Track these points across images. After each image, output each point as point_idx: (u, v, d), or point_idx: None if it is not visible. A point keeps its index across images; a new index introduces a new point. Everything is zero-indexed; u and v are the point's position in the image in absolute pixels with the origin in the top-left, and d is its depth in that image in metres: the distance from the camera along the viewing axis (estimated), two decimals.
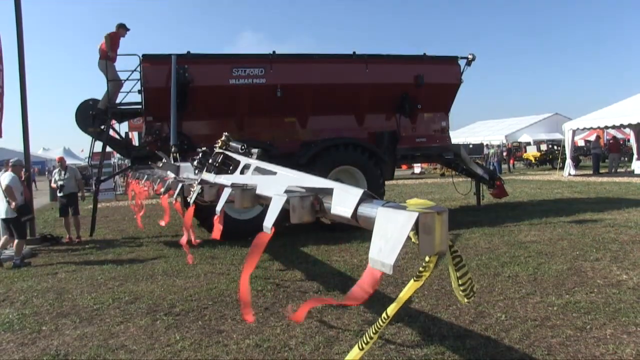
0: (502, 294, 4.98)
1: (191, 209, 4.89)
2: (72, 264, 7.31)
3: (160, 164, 6.99)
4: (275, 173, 3.69)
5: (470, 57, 10.45)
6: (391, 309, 2.00)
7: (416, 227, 1.77)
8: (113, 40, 9.70)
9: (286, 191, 3.00)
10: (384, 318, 2.03)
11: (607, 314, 4.28)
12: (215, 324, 4.49)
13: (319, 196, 2.71)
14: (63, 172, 9.69)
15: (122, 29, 9.89)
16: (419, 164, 26.15)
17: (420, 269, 1.96)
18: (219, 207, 4.13)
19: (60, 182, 9.58)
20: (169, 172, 6.67)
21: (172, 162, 7.19)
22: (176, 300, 5.23)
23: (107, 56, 9.59)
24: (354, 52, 9.88)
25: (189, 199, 4.99)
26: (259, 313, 4.72)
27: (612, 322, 4.11)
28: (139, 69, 9.21)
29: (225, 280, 5.95)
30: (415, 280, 1.96)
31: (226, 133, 5.19)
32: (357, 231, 8.04)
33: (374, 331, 2.08)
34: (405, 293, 1.97)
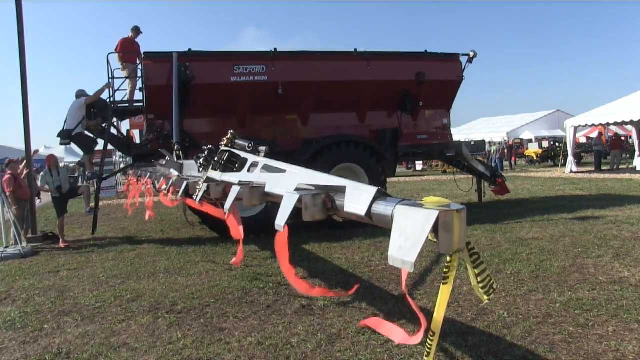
0: (504, 291, 4.97)
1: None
2: (74, 262, 7.32)
3: (164, 162, 6.99)
4: (284, 171, 3.68)
5: (471, 54, 10.42)
6: (436, 321, 2.00)
7: (436, 226, 1.78)
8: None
9: (297, 189, 3.00)
10: (431, 334, 2.02)
11: (610, 311, 4.27)
12: (217, 322, 4.49)
13: (330, 194, 2.71)
14: (57, 173, 9.28)
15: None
16: (420, 161, 26.14)
17: (445, 270, 1.95)
18: (227, 206, 4.12)
19: (57, 184, 9.18)
20: (172, 170, 6.67)
21: (175, 159, 7.20)
22: (178, 298, 5.23)
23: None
24: (356, 50, 9.86)
25: (195, 197, 4.99)
26: (260, 311, 4.73)
27: (615, 319, 4.10)
28: (140, 66, 9.24)
29: (227, 278, 5.95)
30: (444, 284, 1.96)
31: (232, 131, 5.19)
32: (359, 228, 8.05)
33: (430, 338, 2.04)
34: (441, 300, 1.97)
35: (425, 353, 2.04)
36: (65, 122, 9.37)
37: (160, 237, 9.37)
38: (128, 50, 10.62)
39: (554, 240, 7.21)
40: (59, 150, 30.15)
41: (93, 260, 7.43)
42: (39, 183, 9.67)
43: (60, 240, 9.02)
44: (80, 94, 9.66)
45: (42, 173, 9.46)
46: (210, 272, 6.35)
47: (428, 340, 2.02)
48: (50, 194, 9.40)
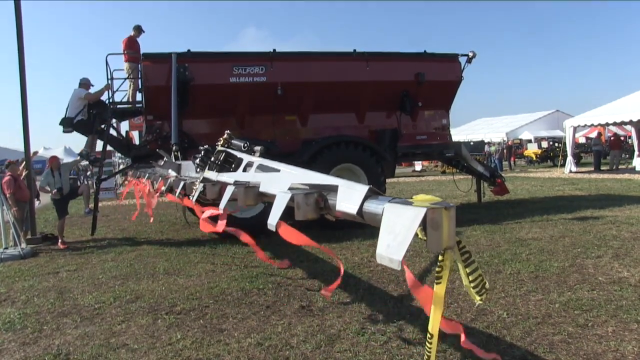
0: (504, 291, 4.97)
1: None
2: (73, 263, 7.31)
3: (162, 163, 6.99)
4: (278, 170, 3.69)
5: (470, 54, 10.43)
6: (432, 326, 1.93)
7: (424, 223, 1.76)
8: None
9: (290, 188, 3.00)
10: (429, 337, 1.96)
11: (609, 311, 4.27)
12: (217, 323, 4.49)
13: (323, 193, 2.70)
14: (58, 174, 9.17)
15: (136, 30, 10.77)
16: (420, 162, 26.15)
17: (437, 269, 1.93)
18: (222, 205, 4.13)
19: (58, 185, 9.05)
20: (170, 171, 6.68)
21: (174, 160, 7.20)
22: (177, 299, 5.23)
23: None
24: (355, 50, 9.86)
25: (191, 197, 5.00)
26: (260, 312, 4.72)
27: (614, 319, 4.10)
28: (139, 67, 9.24)
29: (226, 279, 5.95)
30: (437, 284, 1.92)
31: (228, 131, 5.19)
32: (359, 229, 8.04)
33: (429, 341, 1.99)
34: (436, 300, 1.92)
35: (425, 357, 2.01)
36: (66, 110, 9.44)
37: (159, 238, 9.36)
38: (132, 48, 10.60)
39: (554, 240, 7.21)
40: (58, 152, 30.16)
41: (92, 262, 7.42)
42: (39, 184, 9.62)
43: (60, 241, 9.00)
44: (84, 82, 9.68)
45: (44, 173, 9.41)
46: (209, 272, 6.35)
47: (427, 344, 2.00)
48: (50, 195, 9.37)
